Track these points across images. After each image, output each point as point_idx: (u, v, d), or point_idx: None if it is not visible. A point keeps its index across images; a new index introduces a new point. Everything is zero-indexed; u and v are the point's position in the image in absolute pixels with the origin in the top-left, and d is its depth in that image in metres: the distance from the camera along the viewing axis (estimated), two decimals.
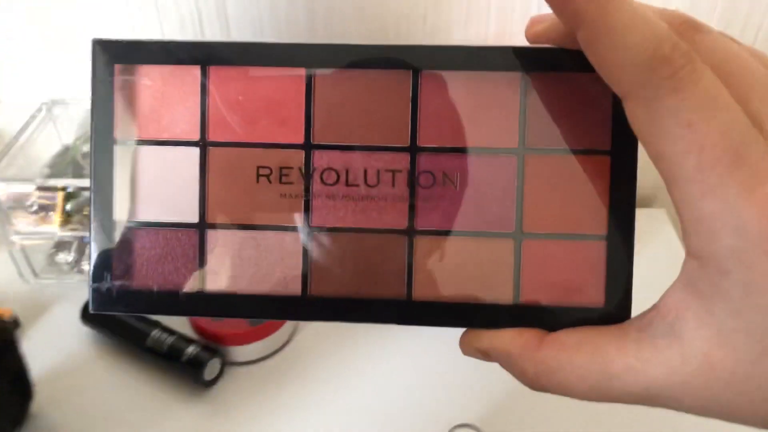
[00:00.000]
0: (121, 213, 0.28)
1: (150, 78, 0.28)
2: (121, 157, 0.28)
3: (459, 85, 0.27)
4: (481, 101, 0.27)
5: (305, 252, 0.28)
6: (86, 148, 0.67)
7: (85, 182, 0.61)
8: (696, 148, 0.21)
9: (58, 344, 0.59)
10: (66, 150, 0.69)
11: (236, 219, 0.28)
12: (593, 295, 0.27)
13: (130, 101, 0.28)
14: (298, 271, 0.28)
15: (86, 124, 0.71)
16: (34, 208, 0.61)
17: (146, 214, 0.28)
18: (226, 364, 0.56)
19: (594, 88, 0.26)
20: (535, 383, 0.25)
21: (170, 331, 0.56)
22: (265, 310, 0.28)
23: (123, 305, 0.28)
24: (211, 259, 0.28)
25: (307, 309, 0.28)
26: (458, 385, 0.55)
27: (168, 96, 0.28)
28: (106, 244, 0.28)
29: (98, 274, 0.28)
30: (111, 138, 0.28)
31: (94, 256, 0.28)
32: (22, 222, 0.62)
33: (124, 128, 0.28)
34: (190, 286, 0.28)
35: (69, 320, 0.60)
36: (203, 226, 0.28)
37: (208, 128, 0.28)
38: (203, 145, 0.28)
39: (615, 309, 0.27)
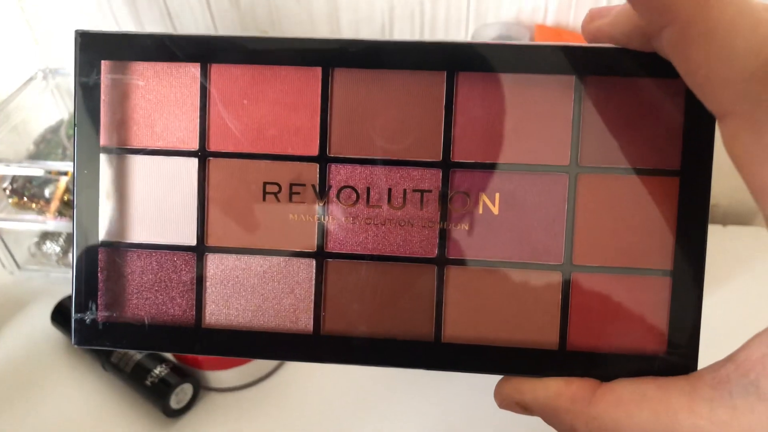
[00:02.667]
0: (107, 233, 0.25)
1: (142, 77, 0.24)
2: (108, 168, 0.24)
3: (502, 90, 0.23)
4: (528, 109, 0.23)
5: (318, 282, 0.24)
6: None
7: (64, 166, 0.54)
8: None
9: (27, 346, 0.54)
10: (61, 125, 0.63)
11: (240, 242, 0.24)
12: (654, 340, 0.23)
13: (119, 103, 0.24)
14: (310, 305, 0.24)
15: None
16: (8, 191, 0.56)
17: (137, 235, 0.25)
18: (201, 389, 0.48)
19: (662, 97, 0.22)
20: None
21: None
22: (271, 350, 0.24)
23: (109, 339, 0.25)
24: (211, 287, 0.24)
25: (319, 349, 0.24)
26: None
27: (163, 98, 0.24)
28: (90, 269, 0.25)
29: (82, 304, 0.25)
30: (96, 145, 0.24)
31: (76, 282, 0.25)
32: (1, 207, 0.57)
33: (111, 135, 0.24)
34: (186, 319, 0.25)
35: (44, 320, 0.55)
36: (202, 249, 0.24)
37: (208, 136, 0.24)
38: (203, 155, 0.24)
39: (679, 358, 0.23)
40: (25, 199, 0.56)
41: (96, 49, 0.24)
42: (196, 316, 0.24)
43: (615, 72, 0.22)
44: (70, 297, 0.51)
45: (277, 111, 0.24)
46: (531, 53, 0.23)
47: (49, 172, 0.54)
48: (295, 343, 0.24)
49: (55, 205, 0.56)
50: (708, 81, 0.18)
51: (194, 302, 0.25)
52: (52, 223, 0.56)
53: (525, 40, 0.49)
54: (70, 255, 0.59)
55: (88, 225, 0.24)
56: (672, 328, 0.23)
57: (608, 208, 0.23)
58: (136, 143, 0.24)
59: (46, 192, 0.56)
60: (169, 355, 0.48)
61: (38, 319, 0.56)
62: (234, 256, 0.24)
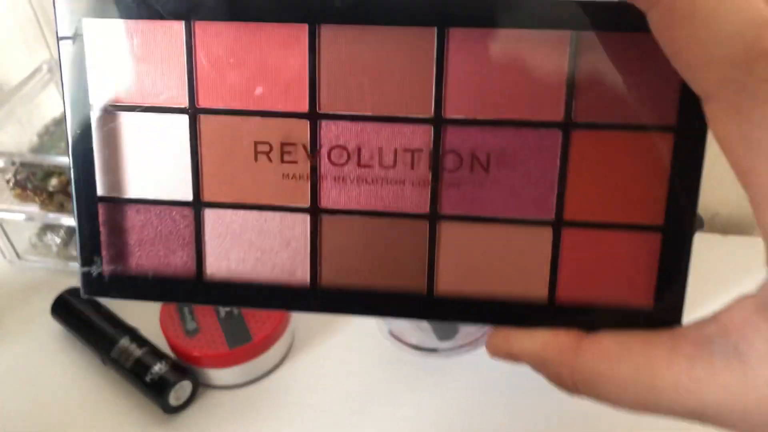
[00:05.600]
0: (106, 188, 0.25)
1: (126, 35, 0.23)
2: (100, 126, 0.24)
3: (494, 45, 0.22)
4: (521, 64, 0.22)
5: (314, 237, 0.25)
6: None
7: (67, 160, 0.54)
8: None
9: (26, 338, 0.53)
10: (64, 117, 0.63)
11: (236, 198, 0.25)
12: (641, 294, 0.23)
13: (104, 61, 0.24)
14: (306, 258, 0.25)
15: None
16: (11, 183, 0.55)
17: (135, 190, 0.25)
18: (200, 386, 0.47)
19: (660, 52, 0.21)
20: (573, 391, 0.23)
21: (142, 342, 0.48)
22: (270, 300, 0.25)
23: (116, 291, 0.26)
24: (210, 241, 0.25)
25: (316, 300, 0.25)
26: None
27: (149, 56, 0.24)
28: (91, 223, 0.25)
29: (87, 258, 0.25)
30: (86, 104, 0.24)
31: (79, 236, 0.25)
32: (3, 197, 0.56)
33: (100, 92, 0.24)
34: (188, 271, 0.25)
35: (44, 311, 0.53)
36: (199, 204, 0.25)
37: (197, 93, 0.24)
38: (192, 112, 0.24)
39: (665, 313, 0.23)
40: (29, 191, 0.55)
41: (76, 7, 0.23)
42: (197, 269, 0.25)
43: (611, 26, 0.21)
44: (71, 290, 0.53)
45: (264, 68, 0.23)
46: (526, 6, 0.22)
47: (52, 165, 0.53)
48: (292, 295, 0.25)
49: (57, 198, 0.55)
50: (691, 64, 0.18)
51: (194, 255, 0.25)
52: (53, 215, 0.56)
53: None
54: (71, 246, 0.59)
55: (86, 181, 0.25)
56: (660, 283, 0.23)
57: (601, 164, 0.23)
58: (126, 100, 0.24)
59: (49, 185, 0.55)
60: (168, 352, 0.48)
61: (38, 311, 0.54)
62: (230, 210, 0.25)
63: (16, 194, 0.56)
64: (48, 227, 0.60)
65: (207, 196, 0.25)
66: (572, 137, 0.23)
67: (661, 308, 0.23)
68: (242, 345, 0.46)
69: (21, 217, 0.56)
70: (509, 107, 0.23)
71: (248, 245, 0.25)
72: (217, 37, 0.23)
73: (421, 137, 0.23)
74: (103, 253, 0.25)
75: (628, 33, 0.21)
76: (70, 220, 0.56)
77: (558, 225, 0.23)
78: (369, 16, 0.22)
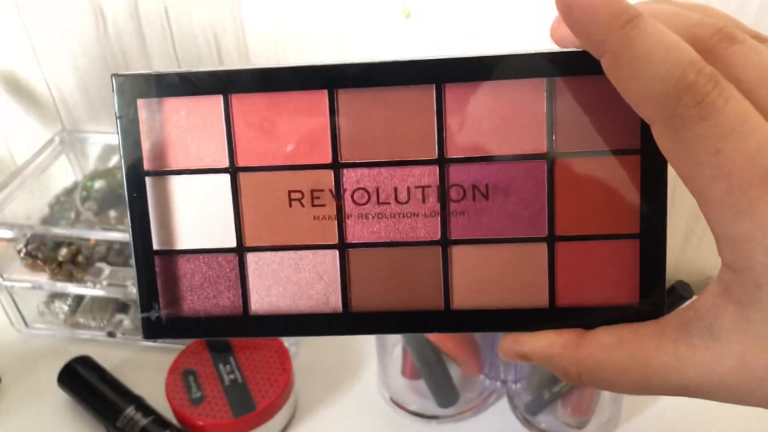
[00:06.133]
0: (160, 242, 0.29)
1: (173, 110, 0.28)
2: (154, 188, 0.29)
3: (483, 95, 0.27)
4: (507, 109, 0.27)
5: (343, 269, 0.29)
6: (98, 184, 0.63)
7: (77, 233, 0.55)
8: (725, 174, 0.21)
9: (33, 406, 0.54)
10: (75, 187, 0.64)
11: (273, 241, 0.29)
12: (628, 293, 0.27)
13: (156, 133, 0.28)
14: (338, 288, 0.29)
15: (101, 158, 0.67)
16: (23, 254, 0.57)
17: (185, 242, 0.29)
18: None
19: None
20: (578, 381, 0.27)
21: (147, 411, 0.49)
22: (309, 328, 0.29)
23: (173, 332, 0.29)
24: (253, 281, 0.29)
25: (349, 324, 0.29)
26: None
27: (193, 126, 0.28)
28: (149, 274, 0.29)
29: (146, 304, 0.29)
30: (141, 170, 0.28)
31: (139, 286, 0.29)
32: (14, 266, 0.58)
33: (153, 160, 0.28)
34: (235, 309, 0.29)
35: (51, 380, 0.54)
36: (242, 249, 0.29)
37: (236, 154, 0.28)
38: (233, 171, 0.28)
39: (650, 306, 0.27)
40: (39, 261, 0.57)
41: (131, 90, 0.28)
42: (243, 306, 0.29)
43: (580, 71, 0.26)
44: (78, 358, 0.54)
45: (292, 129, 0.28)
46: (507, 62, 0.26)
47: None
48: (328, 321, 0.29)
49: (66, 267, 0.57)
50: (636, 98, 0.22)
51: (240, 294, 0.29)
52: (62, 284, 0.58)
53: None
54: (79, 314, 0.61)
55: (143, 237, 0.29)
56: (642, 282, 0.27)
57: (582, 186, 0.27)
58: (174, 165, 0.28)
59: (59, 255, 0.57)
60: (174, 421, 0.49)
61: (45, 379, 0.55)
62: (269, 252, 0.29)
63: (27, 264, 0.58)
64: (56, 295, 0.62)
65: (248, 241, 0.29)
66: (556, 165, 0.27)
67: (645, 303, 0.27)
68: (246, 414, 0.47)
69: (29, 285, 0.58)
70: (501, 144, 0.27)
71: (286, 281, 0.29)
72: (252, 106, 0.27)
73: (429, 176, 0.27)
74: (160, 299, 0.29)
75: (591, 76, 0.26)
76: (77, 289, 0.58)
77: (551, 240, 0.28)
78: (378, 79, 0.27)
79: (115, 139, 0.28)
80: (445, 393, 0.49)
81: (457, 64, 0.26)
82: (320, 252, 0.29)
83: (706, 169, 0.21)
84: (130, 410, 0.49)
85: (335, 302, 0.29)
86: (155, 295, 0.29)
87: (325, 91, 0.27)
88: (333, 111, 0.27)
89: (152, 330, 0.29)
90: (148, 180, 0.29)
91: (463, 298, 0.28)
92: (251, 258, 0.29)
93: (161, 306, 0.29)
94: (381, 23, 0.56)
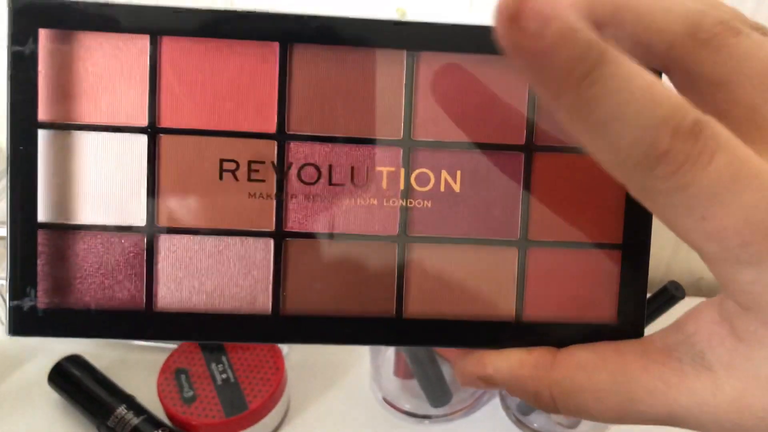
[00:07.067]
0: (47, 213, 0.23)
1: (85, 48, 0.23)
2: (48, 145, 0.23)
3: (463, 71, 0.23)
4: (488, 90, 0.23)
5: (277, 262, 0.24)
6: None
7: None
8: (716, 237, 0.18)
9: (23, 406, 0.52)
10: None
11: (194, 222, 0.23)
12: (605, 310, 0.24)
13: (59, 76, 0.23)
14: (269, 286, 0.24)
15: None
16: None
17: (81, 216, 0.23)
18: None
19: None
20: (551, 406, 0.23)
21: (139, 410, 0.48)
22: (228, 332, 0.24)
23: (51, 328, 0.23)
24: (162, 270, 0.23)
25: (279, 330, 0.24)
26: None
27: (109, 71, 0.23)
28: (28, 252, 0.23)
29: (18, 289, 0.23)
30: (34, 121, 0.23)
31: (11, 266, 0.23)
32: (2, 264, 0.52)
33: (51, 109, 0.23)
34: (136, 303, 0.23)
35: (41, 379, 0.53)
36: (153, 230, 0.23)
37: (159, 112, 0.23)
38: (152, 132, 0.23)
39: (628, 326, 0.24)
40: None
41: (32, 16, 0.22)
42: (146, 301, 0.23)
43: None
44: (68, 357, 0.52)
45: (233, 87, 0.23)
46: (489, 34, 0.23)
47: None
48: (252, 325, 0.24)
49: None
50: (600, 161, 0.18)
51: (144, 286, 0.23)
52: None
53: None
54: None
55: (24, 205, 0.23)
56: (621, 298, 0.24)
57: (562, 187, 0.24)
58: (78, 119, 0.23)
59: None
60: (166, 421, 0.47)
61: (35, 379, 0.53)
62: (187, 236, 0.23)
63: None
64: None
65: (162, 221, 0.23)
66: (534, 159, 0.24)
67: (623, 322, 0.24)
68: (239, 414, 0.47)
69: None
70: (477, 131, 0.24)
71: (205, 274, 0.24)
72: (185, 53, 0.23)
73: (391, 158, 0.23)
74: (39, 284, 0.23)
75: None
76: None
77: (524, 245, 0.24)
78: (340, 37, 0.23)
79: None
80: (438, 393, 0.49)
81: (436, 30, 0.23)
82: (251, 240, 0.24)
83: (693, 234, 0.18)
84: (122, 409, 0.48)
85: (263, 303, 0.24)
86: (32, 280, 0.23)
87: (277, 44, 0.23)
88: (284, 70, 0.23)
89: (23, 324, 0.23)
90: (41, 133, 0.23)
91: (417, 305, 0.24)
92: (163, 241, 0.23)
93: (39, 293, 0.23)
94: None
